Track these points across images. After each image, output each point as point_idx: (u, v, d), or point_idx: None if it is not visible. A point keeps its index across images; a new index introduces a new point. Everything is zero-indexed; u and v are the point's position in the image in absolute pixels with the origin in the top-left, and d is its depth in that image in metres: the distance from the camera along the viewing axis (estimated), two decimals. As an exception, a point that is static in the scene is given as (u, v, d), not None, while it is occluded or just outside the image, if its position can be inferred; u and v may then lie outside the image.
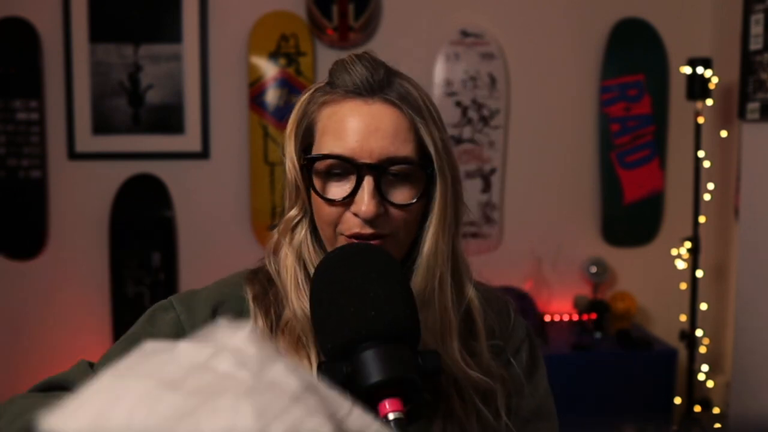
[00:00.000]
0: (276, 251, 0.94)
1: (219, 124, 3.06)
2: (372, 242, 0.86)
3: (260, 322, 0.92)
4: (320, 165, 0.87)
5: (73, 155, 3.01)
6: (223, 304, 0.94)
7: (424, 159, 0.87)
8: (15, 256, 3.01)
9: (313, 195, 0.89)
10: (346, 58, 0.89)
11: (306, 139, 0.90)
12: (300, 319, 0.88)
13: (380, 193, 0.85)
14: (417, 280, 0.89)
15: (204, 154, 3.05)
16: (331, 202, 0.86)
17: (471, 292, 0.93)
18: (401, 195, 0.86)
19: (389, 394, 0.66)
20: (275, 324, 0.91)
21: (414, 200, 0.86)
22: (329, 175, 0.87)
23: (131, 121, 3.02)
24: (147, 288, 3.01)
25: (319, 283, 0.74)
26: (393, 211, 0.86)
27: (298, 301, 0.89)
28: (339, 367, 0.68)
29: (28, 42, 2.93)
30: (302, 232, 0.92)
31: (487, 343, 0.95)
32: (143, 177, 3.01)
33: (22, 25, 2.93)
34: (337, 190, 0.87)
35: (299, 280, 0.90)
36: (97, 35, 2.98)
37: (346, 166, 0.85)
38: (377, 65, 0.88)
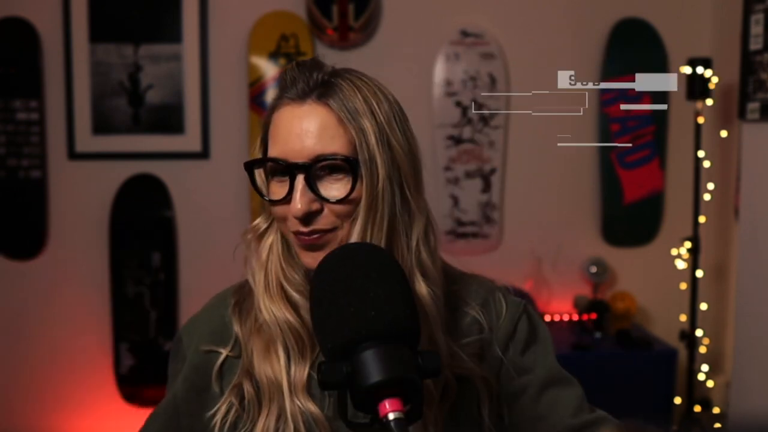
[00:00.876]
0: (248, 259, 0.97)
1: (219, 124, 3.06)
2: (321, 236, 0.88)
3: (236, 327, 0.96)
4: (264, 168, 0.92)
5: (73, 155, 3.01)
6: (213, 319, 0.99)
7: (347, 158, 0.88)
8: (15, 256, 3.01)
9: None
10: (290, 65, 0.93)
11: (264, 146, 0.93)
12: (270, 324, 0.91)
13: (313, 191, 0.87)
14: None
15: (204, 154, 3.05)
16: (273, 202, 0.90)
17: (422, 289, 0.90)
18: (334, 190, 0.87)
19: (389, 394, 0.66)
20: (252, 326, 0.94)
21: (347, 195, 0.86)
22: (273, 178, 0.91)
23: (131, 121, 3.02)
24: (147, 288, 3.01)
25: (319, 283, 0.74)
26: (331, 206, 0.87)
27: (266, 307, 0.91)
28: (339, 367, 0.68)
29: (28, 42, 2.93)
30: (269, 240, 0.95)
31: (471, 340, 0.95)
32: (143, 177, 3.01)
33: (22, 25, 2.93)
34: (279, 191, 0.89)
35: (270, 286, 0.92)
36: (97, 35, 2.97)
37: (281, 168, 0.88)
38: (315, 69, 0.91)
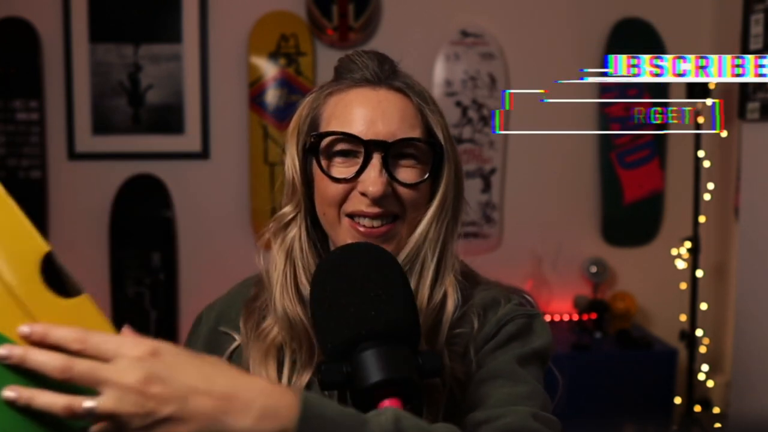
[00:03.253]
0: (267, 248, 0.95)
1: (219, 124, 3.06)
2: (382, 227, 0.87)
3: (241, 326, 0.95)
4: (326, 145, 0.88)
5: (73, 155, 3.01)
6: (236, 304, 0.99)
7: (432, 143, 0.90)
8: (15, 256, 3.00)
9: (317, 178, 0.90)
10: (351, 53, 0.92)
11: (311, 132, 0.91)
12: (281, 318, 0.89)
13: (388, 173, 0.85)
14: (399, 258, 0.87)
15: (204, 154, 3.05)
16: (337, 180, 0.87)
17: (450, 290, 0.89)
18: (409, 174, 0.87)
19: (389, 394, 0.66)
20: (253, 331, 0.92)
21: (423, 179, 0.87)
22: (334, 155, 0.88)
23: (131, 121, 3.02)
24: (147, 288, 3.01)
25: (320, 283, 0.74)
26: (401, 190, 0.87)
27: (281, 299, 0.89)
28: (339, 367, 0.68)
29: (28, 42, 2.93)
30: (294, 230, 0.92)
31: (456, 333, 0.89)
32: (143, 177, 3.01)
33: (22, 25, 2.93)
34: (343, 169, 0.87)
35: (287, 279, 0.90)
36: (97, 35, 2.97)
37: (354, 146, 0.86)
38: (384, 58, 0.92)
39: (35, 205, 2.97)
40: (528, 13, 3.12)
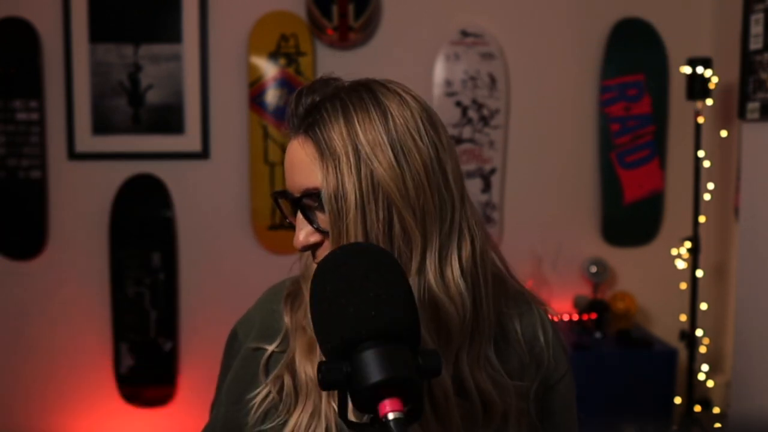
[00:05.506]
0: (273, 252, 1.00)
1: (219, 124, 3.06)
2: None
3: (287, 319, 0.98)
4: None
5: (73, 155, 3.01)
6: (265, 314, 1.01)
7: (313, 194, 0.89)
8: (15, 256, 3.01)
9: None
10: (296, 92, 0.92)
11: None
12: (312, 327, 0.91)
13: (310, 222, 0.89)
14: None
15: (204, 154, 3.05)
16: (293, 227, 0.92)
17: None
18: (322, 222, 0.88)
19: (389, 394, 0.66)
20: (299, 323, 0.96)
21: (327, 230, 0.88)
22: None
23: (131, 121, 3.02)
24: (147, 288, 3.01)
25: (320, 283, 0.74)
26: (326, 237, 0.89)
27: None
28: (339, 367, 0.68)
29: (28, 42, 2.93)
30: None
31: (522, 384, 0.96)
32: (143, 177, 3.01)
33: (22, 25, 2.93)
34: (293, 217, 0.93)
35: None
36: (97, 35, 2.98)
37: (287, 201, 0.91)
38: (312, 93, 0.90)
39: (35, 205, 2.97)
40: (528, 13, 3.12)
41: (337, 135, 0.85)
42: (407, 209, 0.85)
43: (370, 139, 0.85)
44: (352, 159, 0.84)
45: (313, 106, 0.88)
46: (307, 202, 0.88)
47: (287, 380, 0.93)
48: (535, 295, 1.04)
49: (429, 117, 0.89)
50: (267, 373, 0.96)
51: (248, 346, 0.99)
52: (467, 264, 0.90)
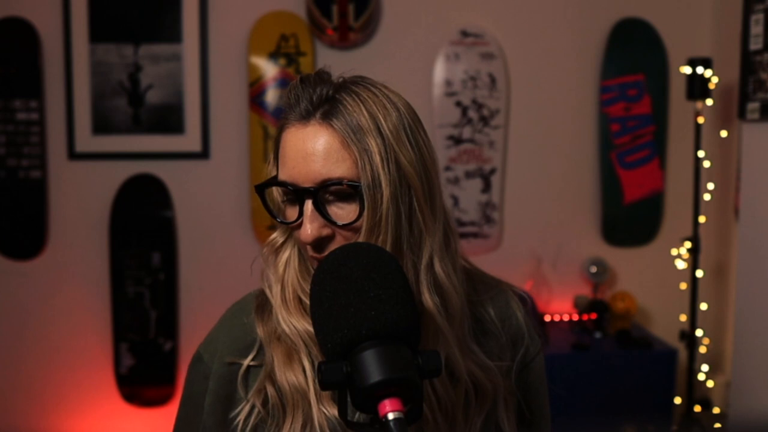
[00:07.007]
0: (265, 272, 0.97)
1: (219, 124, 3.06)
2: None
3: (260, 330, 0.95)
4: (274, 190, 0.91)
5: (73, 155, 3.01)
6: (233, 330, 0.98)
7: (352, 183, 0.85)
8: (15, 256, 3.01)
9: None
10: (294, 81, 0.90)
11: (278, 164, 0.92)
12: (289, 336, 0.91)
13: (323, 215, 0.85)
14: None
15: (204, 154, 3.05)
16: (287, 224, 0.89)
17: (429, 304, 0.88)
18: (342, 215, 0.85)
19: (389, 393, 0.66)
20: (273, 334, 0.93)
21: (355, 220, 0.84)
22: (285, 200, 0.90)
23: (131, 121, 3.02)
24: (147, 288, 3.01)
25: (320, 283, 0.74)
26: (340, 231, 0.86)
27: (284, 320, 0.91)
28: (339, 367, 0.68)
29: (28, 42, 2.93)
30: (286, 254, 0.94)
31: (497, 365, 0.96)
32: (143, 177, 3.01)
33: (22, 25, 2.93)
34: (292, 213, 0.88)
35: (286, 299, 0.92)
36: (97, 35, 2.98)
37: (291, 192, 0.86)
38: (319, 83, 0.87)
39: (35, 205, 2.97)
40: (528, 13, 3.12)
41: (364, 123, 0.84)
42: (424, 200, 0.86)
43: (391, 127, 0.85)
44: (381, 147, 0.84)
45: (326, 94, 0.86)
46: (329, 192, 0.84)
47: (270, 391, 0.90)
48: (501, 280, 1.05)
49: (413, 116, 0.90)
50: (246, 387, 0.93)
51: (221, 362, 0.95)
52: (456, 255, 0.93)
